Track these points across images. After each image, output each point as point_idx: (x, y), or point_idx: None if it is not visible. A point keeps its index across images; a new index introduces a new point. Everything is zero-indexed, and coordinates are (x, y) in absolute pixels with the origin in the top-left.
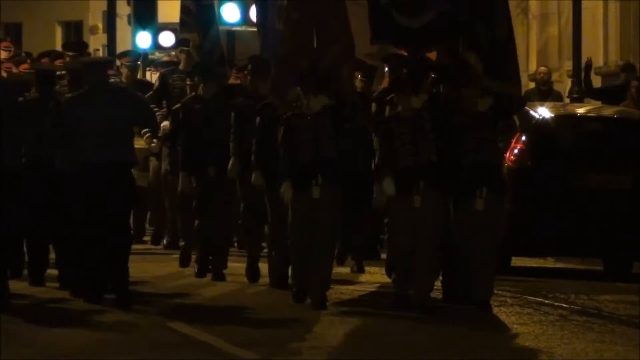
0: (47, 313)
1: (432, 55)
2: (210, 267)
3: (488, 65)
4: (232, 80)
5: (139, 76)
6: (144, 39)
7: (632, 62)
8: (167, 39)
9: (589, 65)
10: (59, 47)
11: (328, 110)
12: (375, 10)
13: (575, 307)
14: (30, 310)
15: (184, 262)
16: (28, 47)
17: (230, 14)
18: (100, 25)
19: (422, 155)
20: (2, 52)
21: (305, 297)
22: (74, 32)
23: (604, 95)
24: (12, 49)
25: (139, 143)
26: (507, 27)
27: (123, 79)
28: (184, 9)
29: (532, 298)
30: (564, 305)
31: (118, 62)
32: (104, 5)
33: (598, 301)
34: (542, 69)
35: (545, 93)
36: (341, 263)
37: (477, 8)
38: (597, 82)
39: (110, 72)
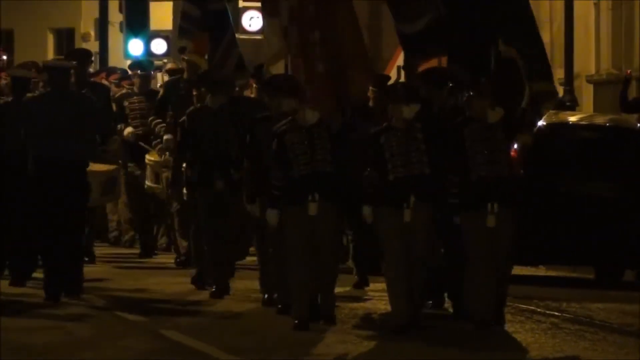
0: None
1: (433, 62)
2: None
3: (532, 65)
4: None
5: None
6: (136, 47)
7: None
8: (159, 46)
9: (627, 79)
10: (50, 54)
11: (324, 122)
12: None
13: (567, 315)
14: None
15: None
16: (20, 54)
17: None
18: (92, 33)
19: (413, 167)
20: None
21: (289, 310)
22: (66, 39)
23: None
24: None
25: (153, 156)
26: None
27: (135, 89)
28: (183, 16)
29: (524, 306)
30: (556, 313)
31: (130, 72)
32: (96, 13)
33: (590, 309)
34: None
35: None
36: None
37: (511, 8)
38: (589, 91)
39: (125, 83)
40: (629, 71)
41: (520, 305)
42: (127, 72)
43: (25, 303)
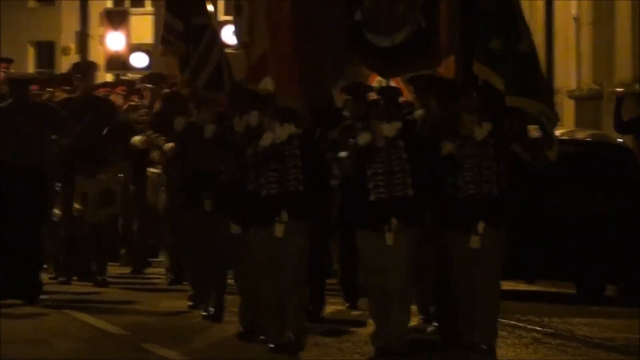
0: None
1: (450, 68)
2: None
3: (510, 81)
4: None
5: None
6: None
7: None
8: (140, 59)
9: (619, 98)
10: (31, 67)
11: (295, 139)
12: (351, 27)
13: (549, 329)
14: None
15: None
16: None
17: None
18: (72, 46)
19: (396, 188)
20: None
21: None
22: (46, 52)
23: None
24: None
25: (154, 168)
26: (529, 41)
27: (145, 102)
28: (166, 27)
29: (506, 321)
30: (538, 328)
31: (140, 85)
32: (76, 26)
33: (571, 324)
34: None
35: None
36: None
37: (495, 23)
38: (570, 106)
39: (134, 97)
40: (621, 90)
41: (502, 320)
42: (133, 84)
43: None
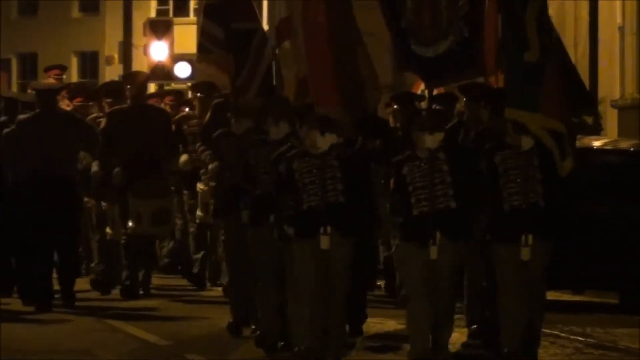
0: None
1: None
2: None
3: (512, 93)
4: None
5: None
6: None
7: None
8: (183, 69)
9: None
10: (74, 77)
11: (334, 149)
12: (397, 34)
13: (591, 340)
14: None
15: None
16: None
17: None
18: (115, 56)
19: (438, 201)
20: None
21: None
22: (90, 62)
23: None
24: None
25: (202, 184)
26: (538, 50)
27: (196, 112)
28: (203, 33)
29: (548, 331)
30: (580, 338)
31: (191, 95)
32: (120, 36)
33: (613, 334)
34: None
35: None
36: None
37: (508, 28)
38: (613, 115)
39: (184, 107)
40: None
41: (544, 330)
42: (181, 94)
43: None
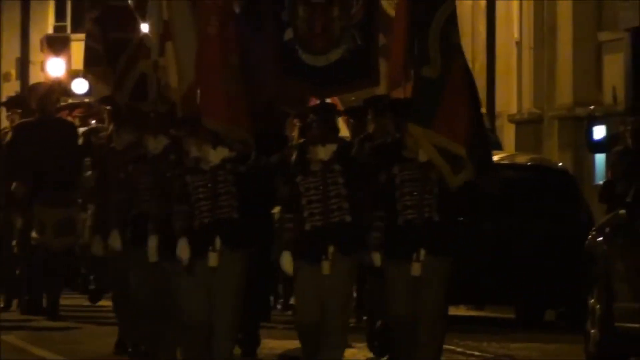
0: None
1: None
2: None
3: (412, 104)
4: None
5: None
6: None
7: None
8: (81, 85)
9: (592, 117)
10: None
11: (228, 163)
12: (281, 45)
13: (488, 355)
14: None
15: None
16: None
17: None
18: (13, 72)
19: (332, 214)
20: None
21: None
22: None
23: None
24: None
25: None
26: (440, 66)
27: (106, 125)
28: (87, 48)
29: (444, 346)
30: (476, 353)
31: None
32: (17, 52)
33: (510, 349)
34: None
35: None
36: None
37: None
38: (510, 130)
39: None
40: (592, 108)
41: None
42: (90, 106)
43: None
